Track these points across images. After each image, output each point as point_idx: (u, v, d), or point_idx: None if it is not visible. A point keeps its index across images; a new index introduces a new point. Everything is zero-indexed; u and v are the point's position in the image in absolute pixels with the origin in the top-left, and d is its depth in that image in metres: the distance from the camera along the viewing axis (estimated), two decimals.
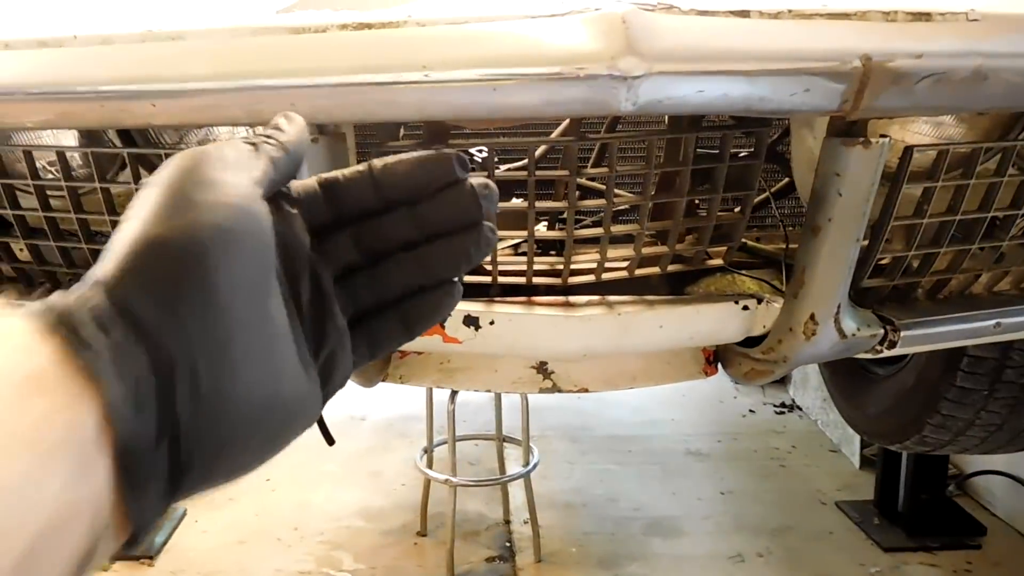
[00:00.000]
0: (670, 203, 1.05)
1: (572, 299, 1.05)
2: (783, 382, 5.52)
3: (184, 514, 3.63)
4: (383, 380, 1.21)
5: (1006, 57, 0.75)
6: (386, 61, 0.73)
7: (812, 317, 0.96)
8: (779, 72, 0.70)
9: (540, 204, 1.01)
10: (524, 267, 1.08)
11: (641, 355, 1.23)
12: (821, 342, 0.99)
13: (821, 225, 0.90)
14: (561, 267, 1.08)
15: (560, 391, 1.19)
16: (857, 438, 4.41)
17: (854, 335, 0.99)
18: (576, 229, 1.05)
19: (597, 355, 1.11)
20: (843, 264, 0.92)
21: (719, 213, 1.05)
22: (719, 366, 1.26)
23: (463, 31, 0.71)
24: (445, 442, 3.43)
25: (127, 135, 0.97)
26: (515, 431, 3.64)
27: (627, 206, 1.07)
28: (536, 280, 1.08)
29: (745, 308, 1.05)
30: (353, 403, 4.84)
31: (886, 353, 1.03)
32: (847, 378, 2.26)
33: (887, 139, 0.82)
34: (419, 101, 0.73)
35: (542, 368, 1.20)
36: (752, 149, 1.00)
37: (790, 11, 0.74)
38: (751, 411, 5.17)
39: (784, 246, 1.21)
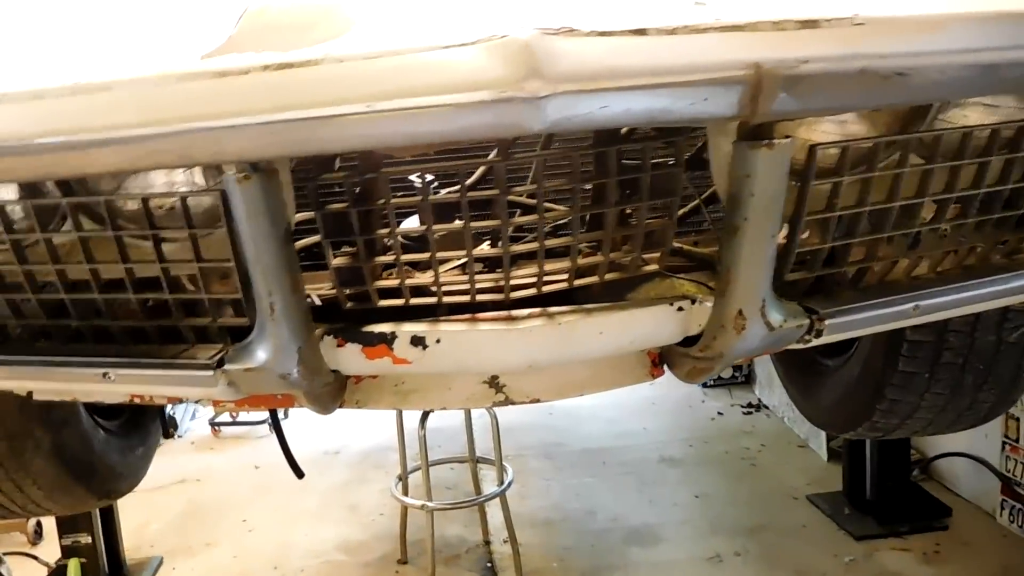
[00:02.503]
0: (601, 214, 1.10)
1: (514, 313, 1.09)
2: (749, 382, 5.62)
3: (161, 563, 3.59)
4: (340, 407, 1.24)
5: (889, 57, 0.80)
6: (307, 98, 0.77)
7: (740, 313, 1.01)
8: (677, 84, 0.75)
9: (475, 224, 1.05)
10: (467, 286, 1.12)
11: (588, 362, 1.27)
12: (751, 336, 1.04)
13: (739, 225, 0.95)
14: (502, 283, 1.12)
15: (513, 403, 1.23)
16: (824, 432, 4.50)
17: (781, 327, 1.04)
18: (513, 245, 1.08)
19: (542, 365, 1.14)
20: (762, 260, 0.97)
21: (648, 220, 1.10)
22: (665, 368, 1.31)
23: (379, 65, 0.75)
24: (420, 468, 3.44)
25: (67, 185, 1.00)
26: (489, 452, 3.67)
27: (564, 220, 1.11)
28: (480, 298, 1.12)
29: (680, 309, 1.10)
30: (327, 438, 4.83)
31: (814, 342, 1.08)
32: (800, 373, 2.33)
33: (789, 139, 0.87)
34: (341, 134, 0.77)
35: (494, 382, 1.24)
36: (673, 158, 1.05)
37: (685, 26, 0.79)
38: (720, 414, 5.24)
39: (716, 248, 1.26)
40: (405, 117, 0.74)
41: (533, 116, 0.72)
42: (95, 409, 1.84)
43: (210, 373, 1.00)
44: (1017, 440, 3.62)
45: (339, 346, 1.09)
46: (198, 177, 1.01)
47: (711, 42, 0.78)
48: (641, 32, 0.77)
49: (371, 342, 1.08)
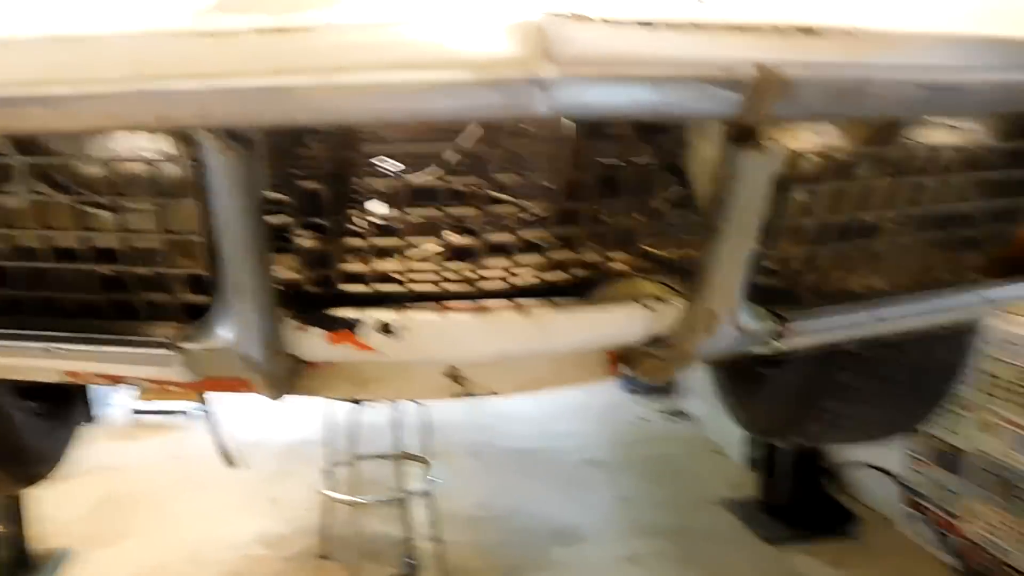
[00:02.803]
0: (574, 210, 1.09)
1: (484, 303, 1.07)
2: (671, 390, 5.72)
3: (68, 555, 3.42)
4: (291, 393, 1.20)
5: (886, 69, 0.82)
6: (301, 65, 0.73)
7: (712, 313, 1.01)
8: (684, 78, 0.75)
9: (450, 211, 1.03)
10: (435, 276, 1.09)
11: (550, 358, 1.26)
12: (721, 338, 1.04)
13: (720, 227, 0.95)
14: (469, 275, 1.10)
15: (472, 396, 1.21)
16: (742, 440, 4.62)
17: (750, 330, 1.05)
18: (479, 237, 1.06)
19: (511, 358, 1.13)
20: (740, 263, 0.98)
21: (619, 219, 1.09)
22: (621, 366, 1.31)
23: (380, 36, 0.72)
24: (347, 463, 3.39)
25: (22, 144, 0.93)
26: (415, 449, 3.64)
27: (537, 215, 1.10)
28: (448, 288, 1.09)
29: (649, 308, 1.10)
30: (250, 429, 4.71)
31: (776, 347, 1.10)
32: (735, 380, 2.37)
33: (779, 144, 0.88)
34: (336, 106, 0.74)
35: (454, 374, 1.22)
36: (650, 158, 1.05)
37: (691, 23, 0.79)
38: (644, 419, 5.32)
39: (679, 251, 1.27)
40: (407, 91, 0.71)
41: (541, 99, 0.70)
42: (17, 388, 1.74)
43: (167, 352, 0.95)
44: (921, 453, 3.78)
45: (300, 329, 1.04)
46: (161, 146, 0.95)
47: (717, 40, 0.78)
48: (647, 24, 0.77)
49: (335, 327, 1.04)
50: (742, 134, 0.92)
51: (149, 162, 0.88)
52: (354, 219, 1.08)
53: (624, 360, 1.31)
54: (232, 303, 0.92)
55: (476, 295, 1.12)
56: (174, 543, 3.58)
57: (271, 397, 1.15)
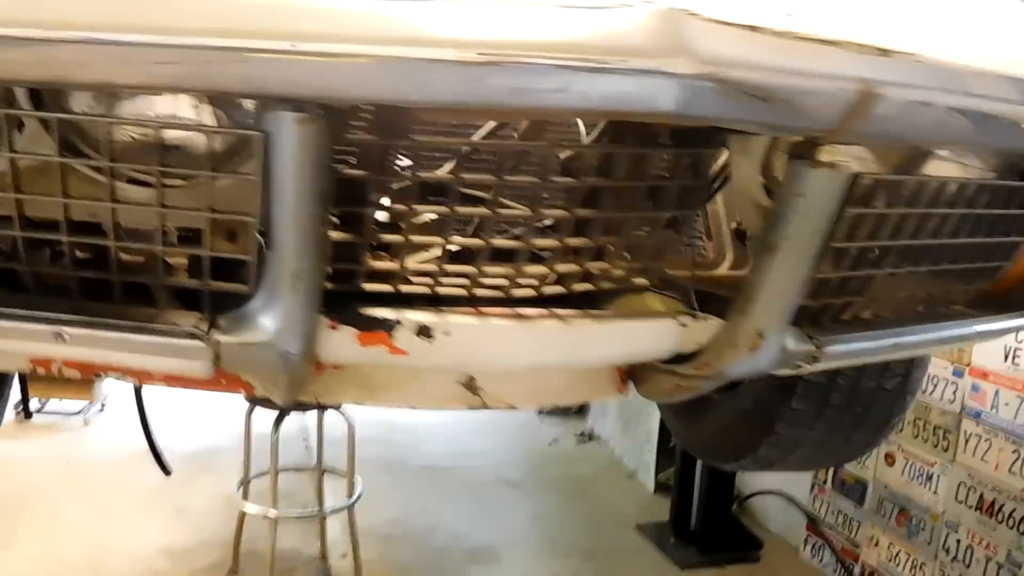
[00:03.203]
0: (606, 219, 1.06)
1: (521, 311, 1.03)
2: (583, 412, 5.76)
3: None
4: (298, 398, 1.11)
5: (984, 99, 0.84)
6: (417, 37, 0.68)
7: (759, 332, 1.01)
8: (806, 90, 0.74)
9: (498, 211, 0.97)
10: (467, 279, 1.04)
11: (566, 372, 1.23)
12: (762, 358, 1.04)
13: (778, 243, 0.95)
14: (500, 281, 1.05)
15: (487, 407, 1.16)
16: (652, 465, 4.69)
17: (791, 352, 1.05)
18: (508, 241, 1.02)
19: (546, 367, 1.09)
20: (795, 282, 0.97)
21: (650, 233, 1.08)
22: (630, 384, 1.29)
23: (520, 12, 0.67)
24: (263, 474, 3.23)
25: (38, 97, 0.83)
26: (331, 463, 3.53)
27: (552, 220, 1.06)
28: (479, 293, 1.04)
29: (683, 325, 1.08)
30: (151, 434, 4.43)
31: (807, 369, 1.10)
32: (684, 403, 2.39)
33: (849, 163, 0.89)
34: (457, 86, 0.68)
35: (470, 384, 1.17)
36: (693, 171, 1.04)
37: (791, 33, 0.78)
38: (555, 440, 5.32)
39: (692, 271, 1.27)
40: (536, 73, 0.67)
41: (670, 94, 0.68)
42: None
43: (197, 343, 0.87)
44: (825, 482, 3.93)
45: (332, 328, 0.97)
46: (217, 114, 0.87)
47: (823, 53, 0.77)
48: (755, 29, 0.75)
49: (371, 327, 0.98)
50: (804, 152, 0.92)
51: (208, 131, 0.80)
52: (390, 212, 1.01)
53: (634, 377, 1.30)
54: (281, 293, 0.85)
55: (501, 302, 1.07)
56: (68, 552, 3.32)
57: (282, 401, 1.07)
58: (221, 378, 1.03)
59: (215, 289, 0.88)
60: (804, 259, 0.96)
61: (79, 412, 4.43)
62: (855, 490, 3.74)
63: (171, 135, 0.84)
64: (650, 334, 1.08)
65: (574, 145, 0.96)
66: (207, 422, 4.53)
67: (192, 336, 0.87)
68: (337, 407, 2.94)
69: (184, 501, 3.84)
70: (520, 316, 1.02)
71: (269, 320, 0.86)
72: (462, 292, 1.06)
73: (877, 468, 3.59)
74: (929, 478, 3.34)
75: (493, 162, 0.96)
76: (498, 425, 5.40)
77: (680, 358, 1.16)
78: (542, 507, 4.34)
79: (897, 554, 3.51)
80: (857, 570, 3.70)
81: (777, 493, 4.17)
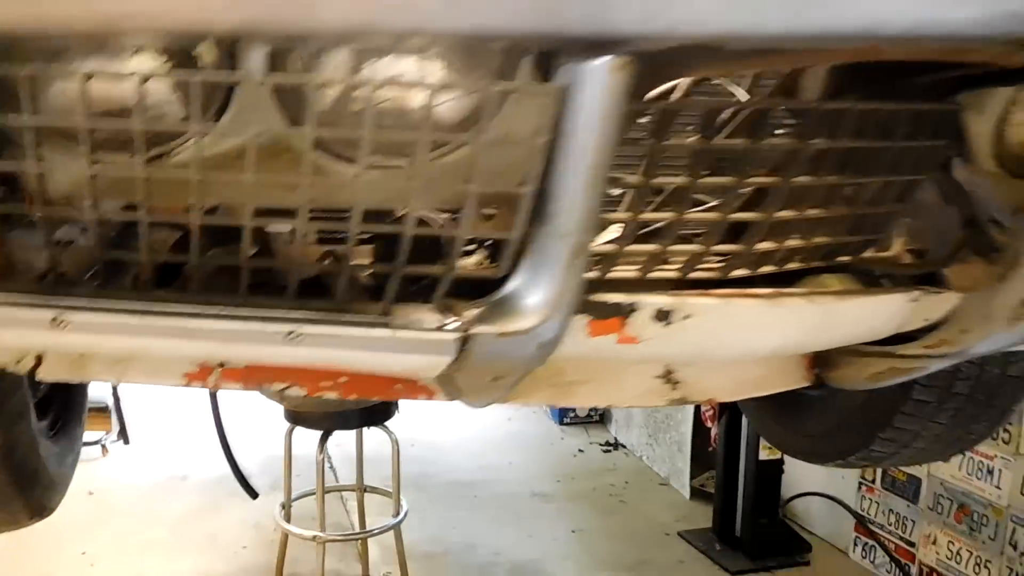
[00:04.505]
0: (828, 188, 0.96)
1: (752, 291, 0.93)
2: (603, 422, 5.66)
3: None
4: (492, 401, 1.00)
5: None
6: None
7: (1023, 302, 0.92)
8: None
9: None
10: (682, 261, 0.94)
11: (763, 361, 1.13)
12: (1018, 332, 0.95)
13: None
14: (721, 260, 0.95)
15: (687, 401, 1.06)
16: (687, 471, 4.60)
17: None
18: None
19: (790, 350, 0.99)
20: None
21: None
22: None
23: None
24: (302, 496, 3.10)
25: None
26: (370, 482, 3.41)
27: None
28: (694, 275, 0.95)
29: (914, 300, 0.99)
30: (171, 461, 4.26)
31: None
32: (775, 403, 2.30)
33: None
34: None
35: (669, 377, 1.07)
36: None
37: None
38: (580, 451, 5.22)
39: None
40: None
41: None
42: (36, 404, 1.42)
43: (448, 336, 0.75)
44: (873, 481, 3.86)
45: None
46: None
47: None
48: None
49: (604, 314, 0.87)
50: None
51: (494, 89, 0.68)
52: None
53: (824, 364, 1.20)
54: (552, 274, 0.74)
55: (722, 283, 0.97)
56: None
57: (480, 405, 0.96)
58: (406, 386, 0.92)
59: (465, 275, 0.77)
60: None
61: (97, 442, 4.25)
62: (908, 488, 3.68)
63: (414, 103, 0.73)
64: (882, 311, 0.99)
65: (831, 103, 0.86)
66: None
67: (442, 328, 0.75)
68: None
69: (215, 527, 3.68)
70: (764, 296, 0.92)
71: (536, 305, 0.75)
72: (676, 275, 0.96)
73: (931, 464, 3.52)
74: (990, 472, 3.28)
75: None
76: (520, 438, 5.29)
77: (898, 338, 1.06)
78: (579, 519, 4.24)
79: (958, 552, 3.43)
80: (914, 570, 3.62)
81: (822, 495, 4.09)
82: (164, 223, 0.79)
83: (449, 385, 0.91)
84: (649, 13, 0.59)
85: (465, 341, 0.77)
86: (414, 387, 0.99)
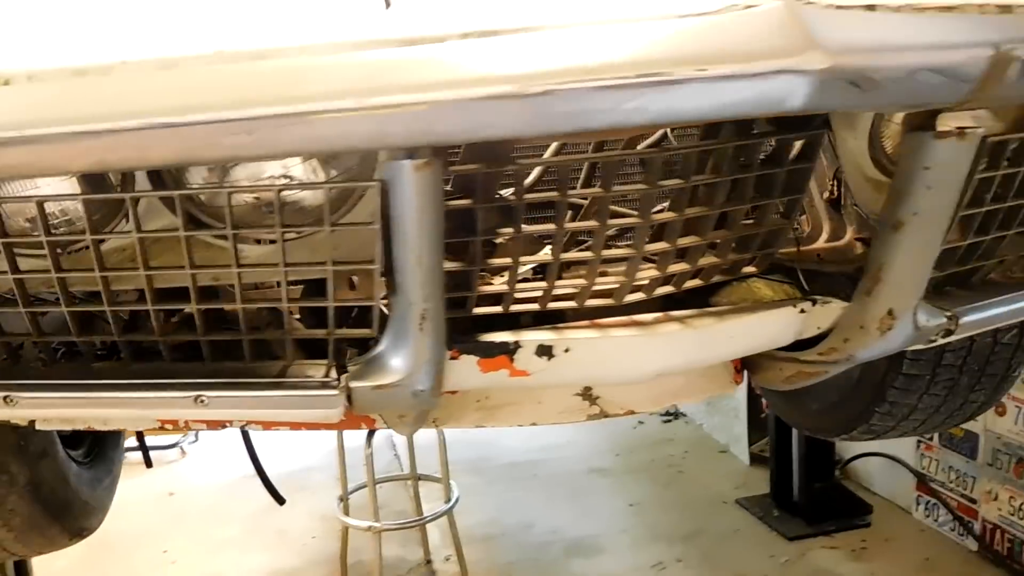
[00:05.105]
0: (705, 216, 1.03)
1: (639, 318, 1.01)
2: None
3: None
4: (422, 427, 1.11)
5: None
6: (527, 67, 0.66)
7: (890, 312, 0.97)
8: (934, 64, 0.70)
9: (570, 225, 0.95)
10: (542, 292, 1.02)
11: (683, 371, 1.21)
12: (894, 337, 1.00)
13: (904, 220, 0.91)
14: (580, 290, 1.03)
15: (607, 415, 1.15)
16: (745, 437, 4.60)
17: (925, 328, 1.01)
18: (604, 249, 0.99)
19: (673, 372, 1.07)
20: (928, 257, 0.93)
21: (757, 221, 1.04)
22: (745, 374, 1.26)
23: (621, 32, 0.65)
24: (359, 488, 3.28)
25: (156, 176, 0.84)
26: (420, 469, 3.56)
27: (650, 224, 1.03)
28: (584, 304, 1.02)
29: (802, 311, 1.05)
30: (239, 462, 4.52)
31: (941, 341, 1.06)
32: None
33: (980, 129, 0.84)
34: (568, 110, 0.67)
35: (587, 394, 1.15)
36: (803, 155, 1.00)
37: (909, 5, 0.74)
38: (640, 423, 5.27)
39: (796, 250, 1.23)
40: (653, 91, 0.65)
41: (801, 92, 0.65)
42: (62, 436, 1.61)
43: (330, 392, 0.87)
44: (931, 438, 3.80)
45: (453, 358, 0.97)
46: (324, 169, 0.87)
47: (948, 22, 0.73)
48: (871, 8, 0.72)
49: (490, 353, 0.97)
50: (922, 123, 0.88)
51: (324, 186, 0.79)
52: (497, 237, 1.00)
53: (750, 367, 1.27)
54: (410, 334, 0.84)
55: (613, 310, 1.05)
56: None
57: (407, 433, 1.07)
58: (347, 418, 1.04)
59: (341, 337, 0.88)
60: (935, 232, 0.92)
61: (175, 445, 4.55)
62: (965, 444, 3.61)
63: (285, 195, 0.84)
64: (770, 325, 1.05)
65: (686, 148, 0.93)
66: (293, 444, 4.60)
67: (325, 386, 0.87)
68: None
69: (285, 523, 3.92)
70: (639, 324, 1.00)
71: (399, 361, 0.85)
72: (571, 304, 1.04)
73: (987, 419, 3.45)
74: None
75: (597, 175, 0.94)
76: None
77: (801, 344, 1.12)
78: (637, 493, 4.30)
79: (1021, 506, 3.38)
80: (977, 527, 3.58)
81: (881, 455, 4.04)
82: (91, 310, 0.92)
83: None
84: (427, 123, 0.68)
85: (349, 394, 0.88)
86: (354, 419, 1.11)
